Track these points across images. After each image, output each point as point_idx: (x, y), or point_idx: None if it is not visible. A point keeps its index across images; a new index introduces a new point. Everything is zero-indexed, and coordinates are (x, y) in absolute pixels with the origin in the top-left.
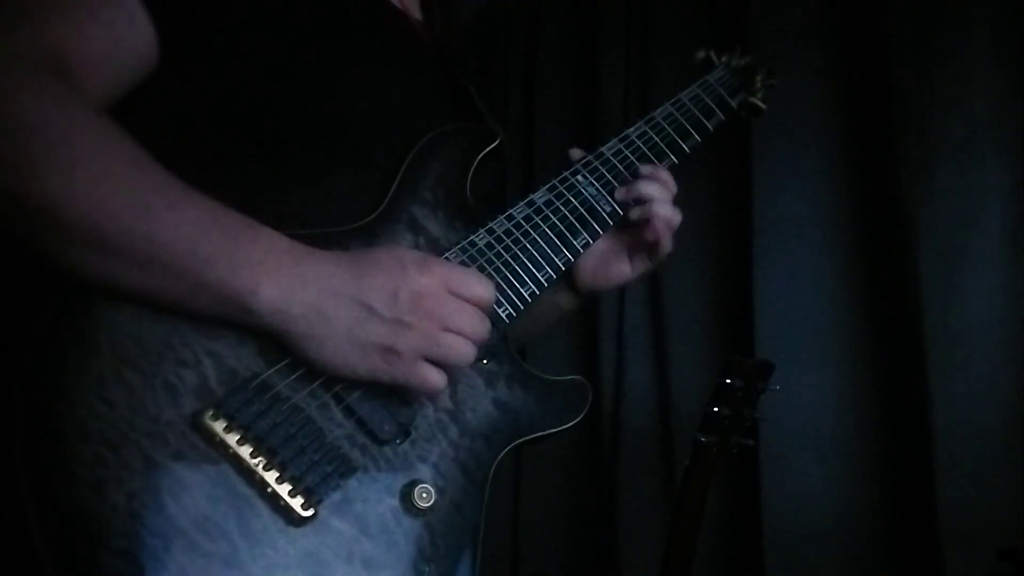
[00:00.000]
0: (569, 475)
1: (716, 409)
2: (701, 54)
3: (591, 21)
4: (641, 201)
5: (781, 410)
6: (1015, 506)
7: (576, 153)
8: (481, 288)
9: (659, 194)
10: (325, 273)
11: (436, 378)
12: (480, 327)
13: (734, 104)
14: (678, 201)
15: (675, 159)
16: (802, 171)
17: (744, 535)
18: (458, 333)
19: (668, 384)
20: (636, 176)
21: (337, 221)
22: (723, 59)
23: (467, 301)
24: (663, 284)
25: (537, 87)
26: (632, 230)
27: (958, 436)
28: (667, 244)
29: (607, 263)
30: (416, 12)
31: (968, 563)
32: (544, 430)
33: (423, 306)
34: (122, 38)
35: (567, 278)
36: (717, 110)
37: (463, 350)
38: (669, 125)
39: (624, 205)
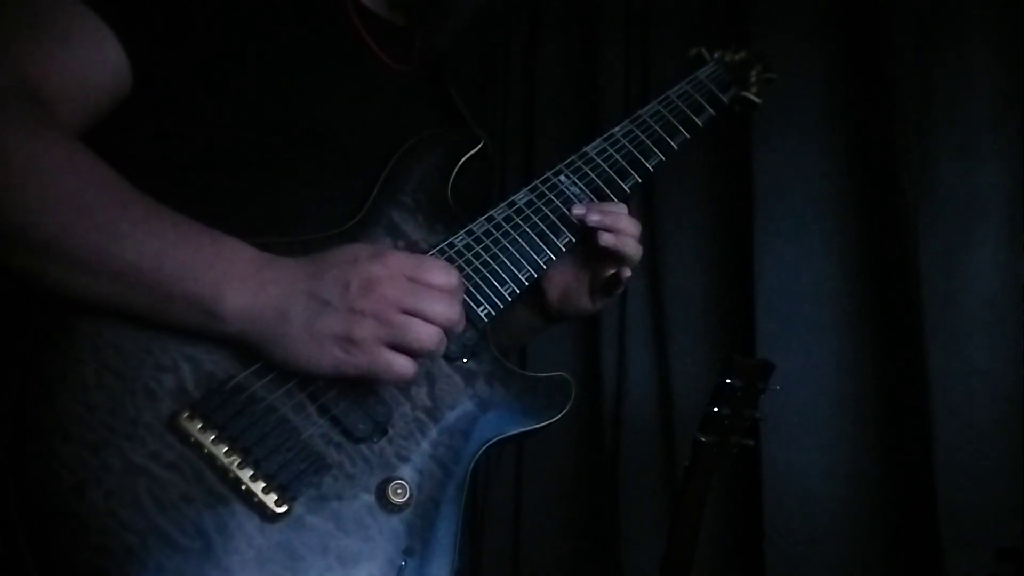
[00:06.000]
0: (569, 475)
1: (716, 409)
2: (693, 51)
3: (591, 21)
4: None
5: (781, 410)
6: (1015, 506)
7: None
8: (442, 275)
9: (630, 229)
10: (285, 275)
11: (402, 364)
12: (446, 308)
13: (725, 99)
14: (680, 202)
15: (663, 156)
16: (803, 170)
17: (744, 535)
18: (417, 315)
19: (668, 384)
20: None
21: (320, 228)
22: (715, 55)
23: (428, 287)
24: (664, 283)
25: (537, 87)
26: (594, 264)
27: (958, 436)
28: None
29: (570, 294)
30: (400, 19)
31: (968, 563)
32: (524, 427)
33: (375, 292)
34: (92, 62)
35: (539, 300)
36: (707, 106)
37: (424, 332)
38: (656, 123)
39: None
